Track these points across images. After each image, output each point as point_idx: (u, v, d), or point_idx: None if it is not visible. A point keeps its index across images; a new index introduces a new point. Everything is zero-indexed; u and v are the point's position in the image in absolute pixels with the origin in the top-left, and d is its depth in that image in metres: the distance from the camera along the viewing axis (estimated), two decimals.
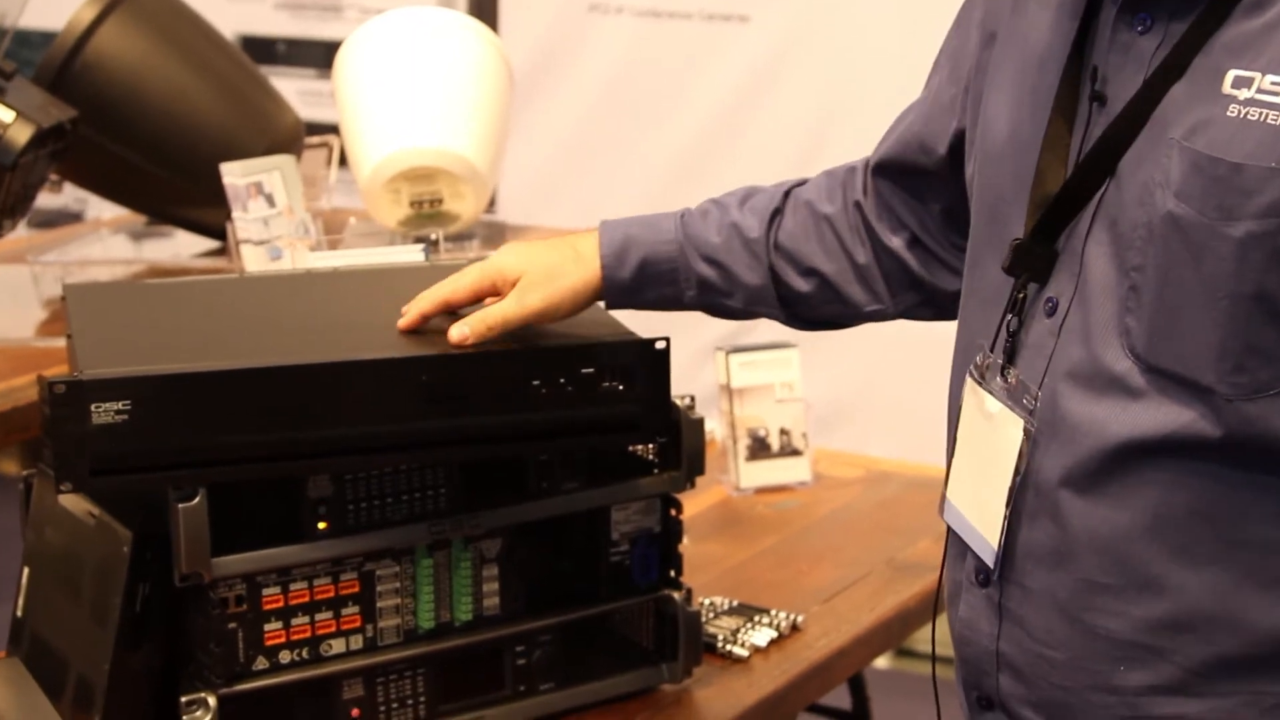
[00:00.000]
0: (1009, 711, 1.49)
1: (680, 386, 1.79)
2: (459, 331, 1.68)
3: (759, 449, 2.51)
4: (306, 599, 1.67)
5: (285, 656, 1.67)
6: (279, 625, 1.66)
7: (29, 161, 2.47)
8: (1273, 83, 1.30)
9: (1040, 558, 1.43)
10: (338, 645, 1.69)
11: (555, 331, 1.74)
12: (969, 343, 1.53)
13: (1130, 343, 1.36)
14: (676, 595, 1.86)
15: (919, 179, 1.72)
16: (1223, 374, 1.33)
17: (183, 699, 1.61)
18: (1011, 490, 1.43)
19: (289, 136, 2.87)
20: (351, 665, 1.70)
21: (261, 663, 1.65)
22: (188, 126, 2.75)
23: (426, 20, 2.78)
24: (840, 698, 2.75)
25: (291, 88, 4.06)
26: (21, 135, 2.42)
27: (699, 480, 1.86)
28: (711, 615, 2.05)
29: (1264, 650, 1.38)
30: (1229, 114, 1.32)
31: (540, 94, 4.05)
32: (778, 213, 1.77)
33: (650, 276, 1.76)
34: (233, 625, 1.63)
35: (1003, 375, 1.45)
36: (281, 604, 1.66)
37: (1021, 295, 1.44)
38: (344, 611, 1.69)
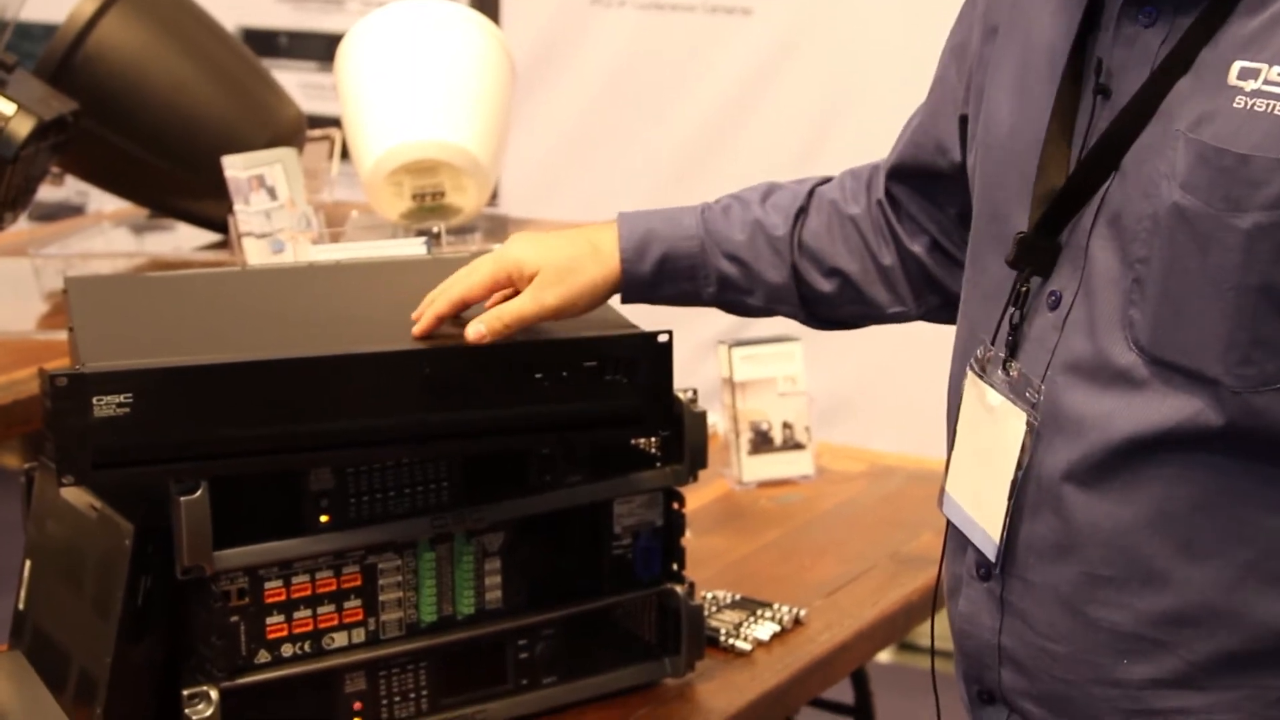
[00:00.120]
0: (1011, 705, 1.49)
1: (683, 380, 1.80)
2: (475, 330, 1.66)
3: (761, 443, 2.51)
4: (308, 592, 1.67)
5: (287, 650, 1.67)
6: (281, 618, 1.66)
7: (30, 154, 2.47)
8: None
9: (1042, 551, 1.43)
10: (340, 639, 1.70)
11: (558, 324, 1.74)
12: (970, 335, 1.53)
13: (1134, 335, 1.36)
14: (679, 589, 1.86)
15: (933, 182, 1.71)
16: (1230, 366, 1.33)
17: (185, 692, 1.61)
18: (1014, 484, 1.43)
19: (291, 129, 2.87)
20: (353, 659, 1.70)
21: (263, 656, 1.66)
22: (189, 119, 2.75)
23: (428, 13, 2.78)
24: (843, 692, 2.75)
25: (293, 80, 4.06)
26: (23, 128, 2.42)
27: (701, 474, 1.86)
28: (714, 609, 2.05)
29: (1268, 644, 1.38)
30: (1235, 105, 1.32)
31: (542, 87, 4.05)
32: (803, 211, 1.76)
33: (670, 273, 1.75)
34: (235, 618, 1.63)
35: (1004, 368, 1.45)
36: (283, 597, 1.66)
37: (1024, 289, 1.44)
38: (346, 605, 1.69)
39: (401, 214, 2.71)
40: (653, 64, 4.07)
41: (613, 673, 1.86)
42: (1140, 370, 1.36)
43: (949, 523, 1.55)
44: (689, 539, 1.89)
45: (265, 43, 4.50)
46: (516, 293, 1.70)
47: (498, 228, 2.87)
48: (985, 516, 1.46)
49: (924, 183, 1.73)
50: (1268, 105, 1.30)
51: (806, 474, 2.53)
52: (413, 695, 1.74)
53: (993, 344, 1.47)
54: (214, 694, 1.62)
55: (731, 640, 1.98)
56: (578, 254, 1.71)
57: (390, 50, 2.75)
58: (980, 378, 1.48)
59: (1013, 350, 1.45)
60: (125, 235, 3.07)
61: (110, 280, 2.26)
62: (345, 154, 2.92)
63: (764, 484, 2.51)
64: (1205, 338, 1.33)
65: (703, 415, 1.84)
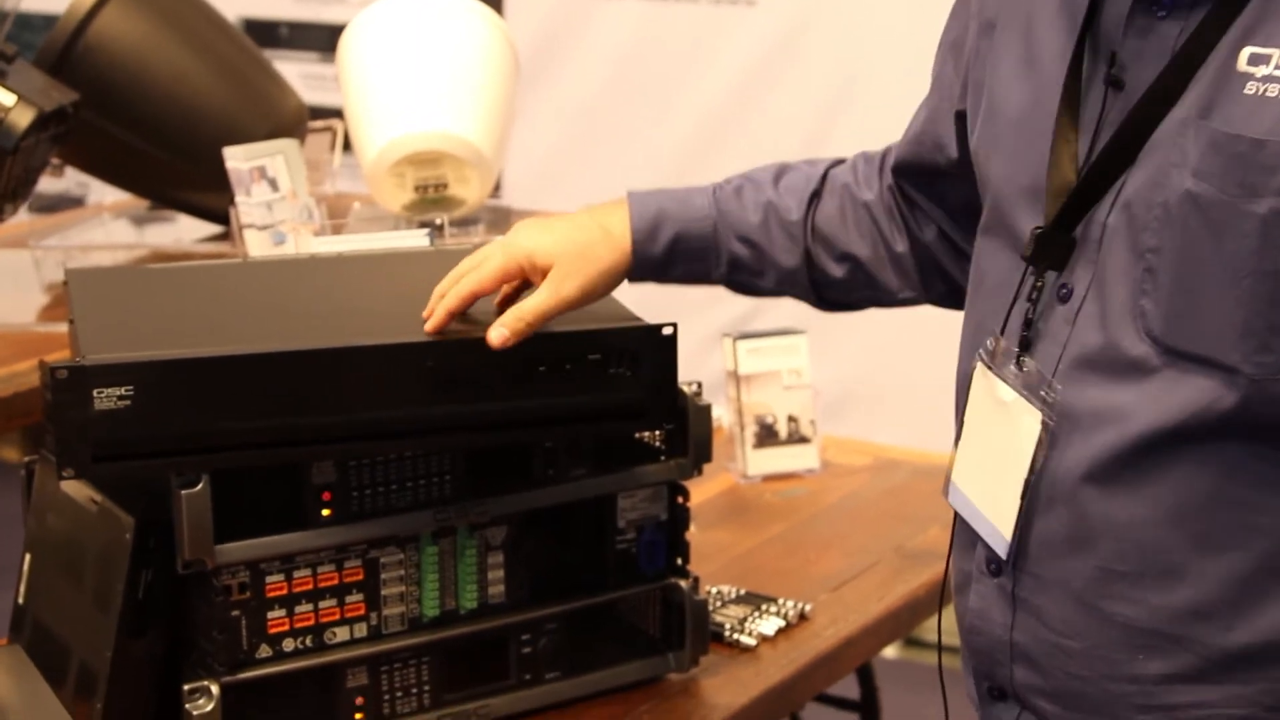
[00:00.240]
0: (1023, 702, 1.49)
1: (687, 373, 1.79)
2: (498, 334, 1.64)
3: (766, 436, 2.51)
4: (310, 586, 1.67)
5: (289, 644, 1.67)
6: (282, 613, 1.66)
7: (30, 145, 2.47)
8: None
9: (1056, 546, 1.42)
10: (341, 633, 1.70)
11: (562, 317, 1.74)
12: (977, 326, 1.53)
13: (1146, 325, 1.36)
14: (683, 583, 1.86)
15: (936, 179, 1.73)
16: (1247, 354, 1.32)
17: (185, 687, 1.61)
18: (1027, 484, 1.42)
19: (292, 120, 2.87)
20: (355, 653, 1.70)
21: (265, 651, 1.66)
22: (190, 110, 2.75)
23: (431, 3, 2.77)
24: (848, 687, 2.75)
25: (294, 71, 4.07)
26: (23, 119, 2.42)
27: (706, 468, 1.86)
28: (718, 604, 2.05)
29: None
30: (1246, 91, 1.31)
31: (546, 78, 4.05)
32: (816, 195, 1.77)
33: (682, 254, 1.75)
34: (236, 613, 1.63)
35: (1018, 363, 1.45)
36: (285, 591, 1.66)
37: (1039, 284, 1.44)
38: (348, 599, 1.69)
39: (404, 206, 2.71)
40: (656, 55, 4.07)
41: (616, 668, 1.86)
42: (1153, 360, 1.36)
43: (956, 518, 1.55)
44: (693, 533, 1.89)
45: (266, 33, 4.51)
46: (527, 284, 1.70)
47: (501, 219, 2.86)
48: (996, 513, 1.46)
49: (927, 179, 1.74)
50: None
51: (811, 468, 2.52)
52: (415, 690, 1.74)
53: (1001, 334, 1.47)
54: (215, 689, 1.62)
55: (736, 635, 1.98)
56: (589, 239, 1.71)
57: (393, 41, 2.75)
58: (991, 370, 1.48)
59: (1026, 345, 1.44)
60: (126, 227, 3.07)
61: (111, 272, 2.26)
62: (347, 145, 2.92)
63: (769, 478, 2.50)
64: (1221, 326, 1.33)
65: (707, 408, 1.84)
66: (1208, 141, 1.32)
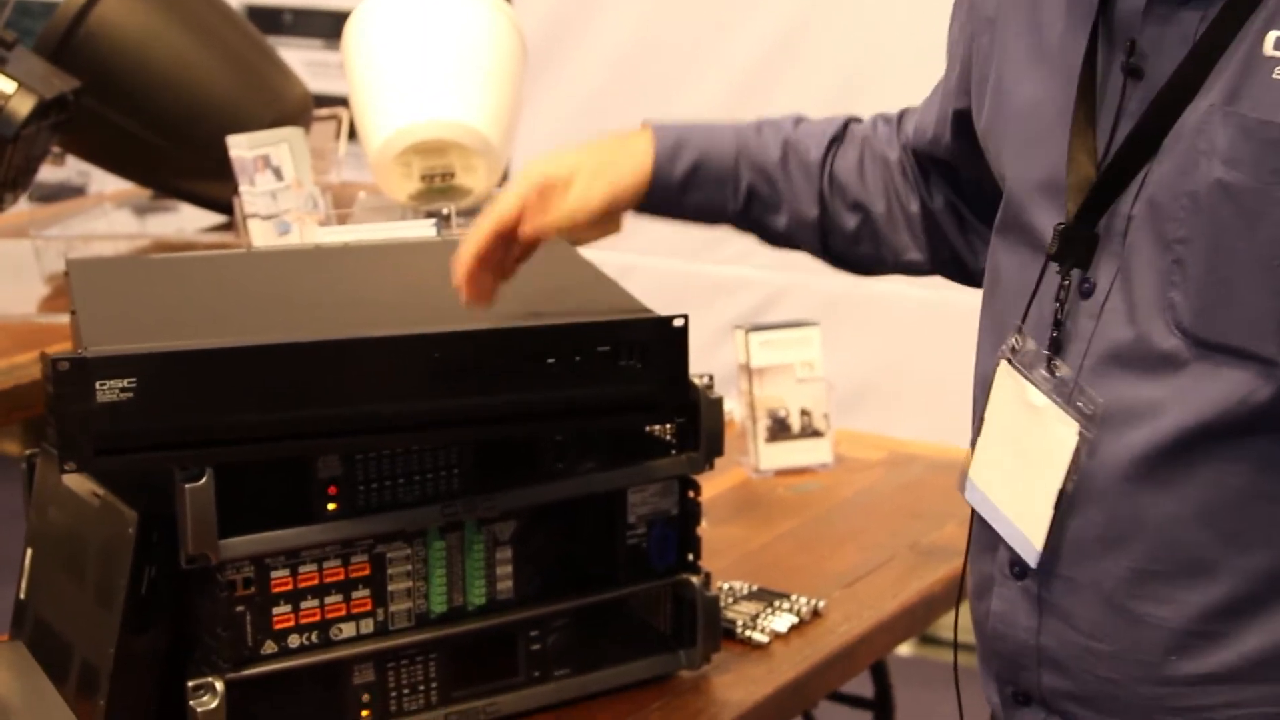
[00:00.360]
0: (1050, 707, 1.48)
1: (698, 365, 1.79)
2: (530, 229, 1.65)
3: (779, 430, 2.51)
4: (316, 582, 1.67)
5: (294, 641, 1.67)
6: (288, 609, 1.66)
7: (31, 133, 2.47)
8: None
9: (1086, 548, 1.42)
10: (348, 629, 1.70)
11: (572, 308, 1.74)
12: (997, 325, 1.52)
13: (1176, 318, 1.35)
14: (694, 579, 1.86)
15: (942, 164, 1.75)
16: None
17: (189, 684, 1.61)
18: (1062, 494, 1.41)
19: (297, 108, 2.87)
20: (362, 650, 1.70)
21: (270, 647, 1.66)
22: (193, 98, 2.76)
23: None
24: (862, 685, 2.75)
25: (298, 59, 4.06)
26: (23, 107, 2.42)
27: (718, 462, 1.86)
28: (730, 600, 2.05)
29: None
30: (1275, 76, 1.31)
31: (554, 65, 4.05)
32: (836, 140, 1.78)
33: (701, 180, 1.76)
34: (240, 608, 1.64)
35: (1049, 367, 1.44)
36: (290, 587, 1.66)
37: (1066, 283, 1.43)
38: (354, 595, 1.70)
39: (410, 195, 2.71)
40: (666, 43, 4.07)
41: (626, 665, 1.86)
42: (1184, 354, 1.36)
43: (974, 518, 1.54)
44: (705, 528, 1.89)
45: (270, 20, 4.51)
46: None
47: None
48: (1024, 518, 1.45)
49: (933, 162, 1.77)
50: None
51: (825, 462, 2.52)
52: (422, 687, 1.74)
53: (1021, 331, 1.47)
54: (219, 685, 1.62)
55: (748, 632, 1.98)
56: (611, 155, 1.73)
57: (399, 27, 2.75)
58: (1019, 372, 1.47)
59: (1056, 347, 1.44)
60: (128, 216, 3.07)
61: (113, 262, 2.26)
62: (353, 134, 2.92)
63: (781, 472, 2.50)
64: (1255, 316, 1.32)
65: (719, 401, 1.84)
66: (1237, 128, 1.32)
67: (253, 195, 2.45)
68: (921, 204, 1.77)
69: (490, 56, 2.75)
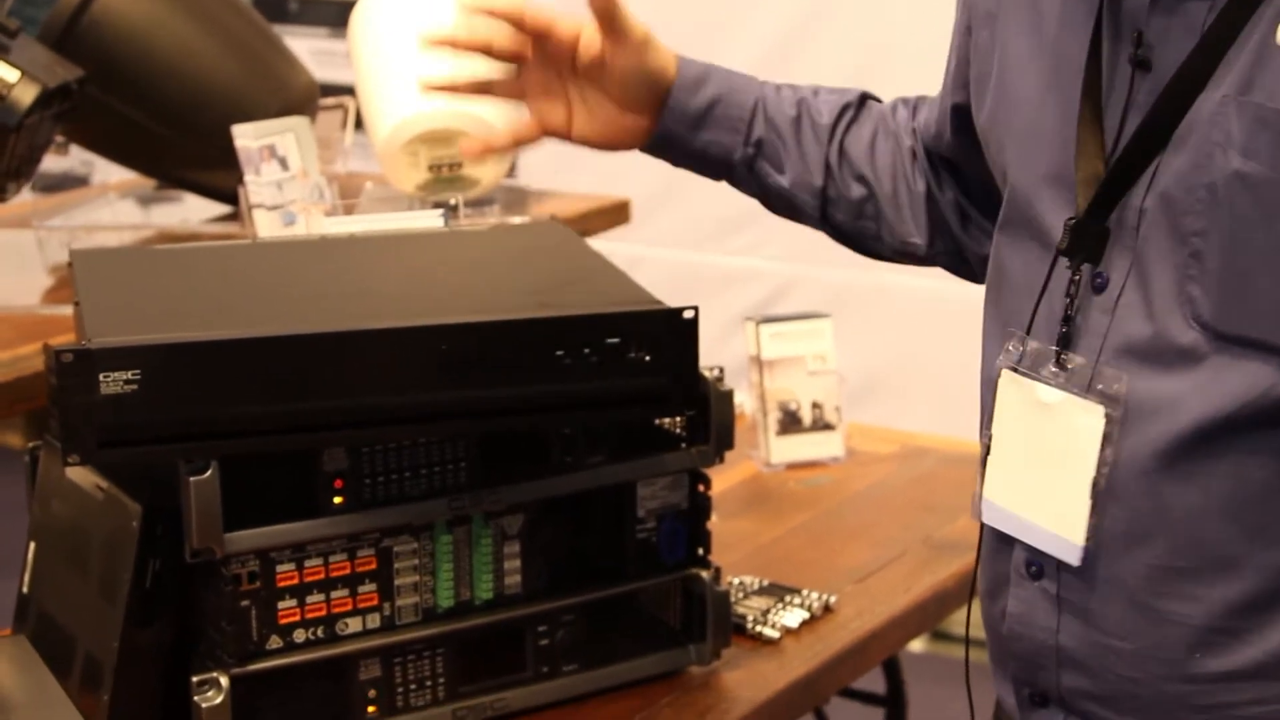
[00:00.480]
0: (1069, 707, 1.48)
1: (708, 357, 1.80)
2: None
3: (790, 423, 2.51)
4: (322, 576, 1.68)
5: (300, 635, 1.67)
6: (293, 603, 1.66)
7: (34, 123, 2.47)
8: None
9: (1106, 545, 1.41)
10: (354, 624, 1.70)
11: (580, 300, 1.74)
12: (1003, 320, 1.51)
13: (1195, 312, 1.35)
14: (704, 574, 1.87)
15: (947, 162, 1.76)
16: None
17: (194, 679, 1.62)
18: (1096, 483, 1.41)
19: (303, 97, 2.87)
20: (368, 645, 1.71)
21: (275, 642, 1.66)
22: (198, 87, 2.75)
23: None
24: (874, 681, 2.76)
25: (304, 47, 4.07)
26: (26, 95, 2.42)
27: (728, 455, 1.86)
28: (741, 595, 2.06)
29: None
30: None
31: None
32: (849, 108, 1.80)
33: (718, 118, 1.77)
34: (245, 603, 1.64)
35: (1058, 362, 1.43)
36: (296, 581, 1.66)
37: (1077, 278, 1.43)
38: (360, 589, 1.70)
39: (417, 185, 2.71)
40: (679, 30, 4.05)
41: (635, 661, 1.86)
42: (1203, 347, 1.35)
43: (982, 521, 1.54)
44: (715, 522, 1.90)
45: (275, 8, 4.51)
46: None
47: (516, 200, 2.87)
48: (1055, 518, 1.44)
49: (939, 158, 1.78)
50: None
51: (836, 455, 2.53)
52: (429, 683, 1.74)
53: (1028, 334, 1.46)
54: (224, 680, 1.62)
55: (759, 627, 1.99)
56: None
57: (405, 15, 2.75)
58: (1025, 375, 1.46)
59: (1067, 342, 1.43)
60: (132, 207, 3.07)
61: (116, 253, 2.26)
62: (359, 123, 2.92)
63: (792, 466, 2.51)
64: (1276, 307, 1.32)
65: (729, 394, 1.84)
66: (1253, 118, 1.32)
67: (258, 185, 2.45)
68: (928, 188, 1.78)
69: None
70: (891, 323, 3.69)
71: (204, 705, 1.61)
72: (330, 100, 3.06)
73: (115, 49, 2.71)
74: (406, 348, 1.65)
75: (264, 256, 1.95)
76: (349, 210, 2.52)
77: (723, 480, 2.32)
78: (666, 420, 1.88)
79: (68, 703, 1.64)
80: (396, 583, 1.72)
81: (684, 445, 1.86)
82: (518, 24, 1.72)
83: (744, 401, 2.52)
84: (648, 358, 1.72)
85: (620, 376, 1.72)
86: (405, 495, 1.71)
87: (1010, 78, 1.51)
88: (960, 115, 1.67)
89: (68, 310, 2.16)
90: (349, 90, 2.95)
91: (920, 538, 2.26)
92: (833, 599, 2.07)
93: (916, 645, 3.74)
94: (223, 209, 2.90)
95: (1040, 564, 1.46)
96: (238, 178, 2.49)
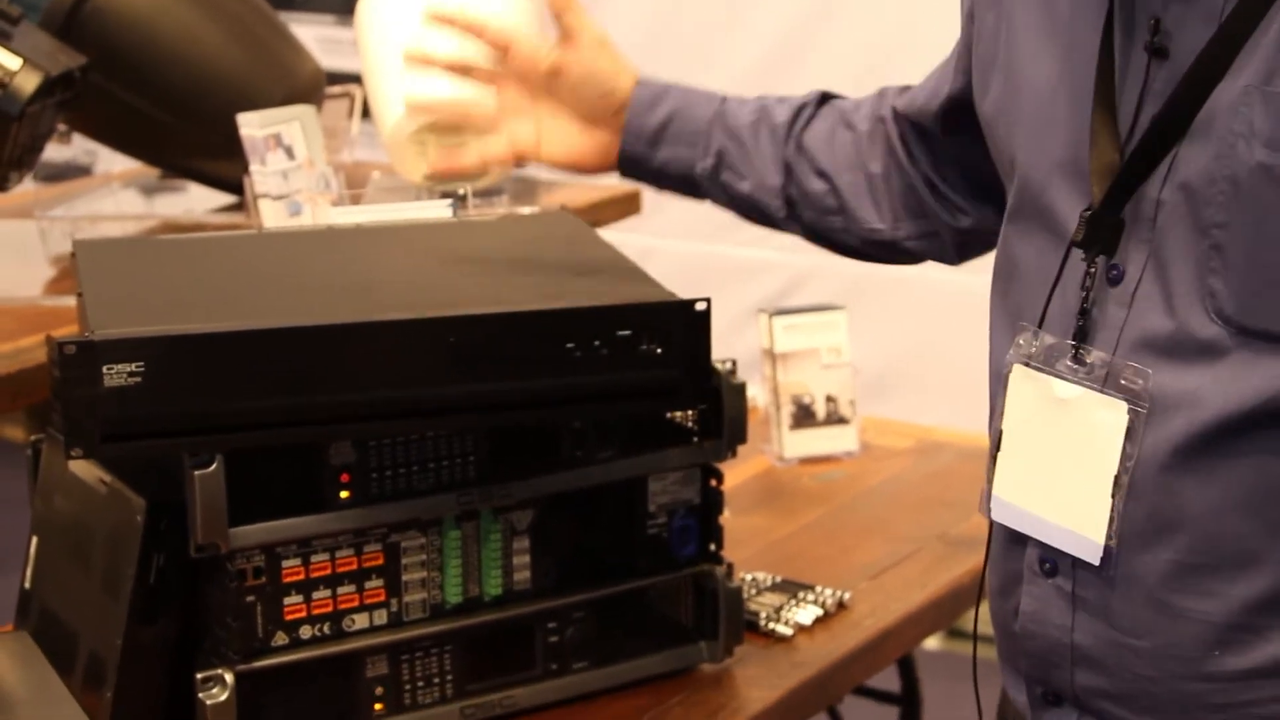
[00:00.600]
0: (1084, 706, 1.47)
1: (721, 350, 1.79)
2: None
3: (804, 417, 2.51)
4: (328, 571, 1.68)
5: (306, 632, 1.68)
6: (299, 599, 1.67)
7: (36, 111, 2.47)
8: None
9: (1124, 542, 1.41)
10: (361, 620, 1.70)
11: (590, 291, 1.74)
12: (1014, 312, 1.50)
13: (1216, 305, 1.35)
14: (717, 570, 1.87)
15: (925, 133, 1.77)
16: None
17: (199, 675, 1.62)
18: (1117, 480, 1.41)
19: (309, 86, 2.87)
20: (375, 641, 1.71)
21: (281, 638, 1.66)
22: (202, 74, 2.75)
23: None
24: (889, 680, 2.76)
25: (310, 34, 4.07)
26: (29, 83, 2.42)
27: (740, 450, 1.86)
28: (753, 592, 2.06)
29: None
30: None
31: None
32: (804, 107, 1.82)
33: (673, 133, 1.81)
34: (251, 598, 1.64)
35: (1075, 357, 1.43)
36: (302, 576, 1.66)
37: (1092, 270, 1.42)
38: (367, 585, 1.70)
39: (425, 175, 2.70)
40: (689, 20, 4.06)
41: (646, 658, 1.86)
42: (1225, 342, 1.35)
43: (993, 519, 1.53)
44: (727, 518, 1.90)
45: None
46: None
47: (525, 190, 2.86)
48: (1070, 515, 1.43)
49: (921, 133, 1.79)
50: None
51: (851, 450, 2.53)
52: (437, 680, 1.74)
53: (1040, 328, 1.45)
54: (229, 677, 1.63)
55: (772, 624, 1.99)
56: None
57: (412, 2, 2.74)
58: (1040, 370, 1.46)
59: (1084, 336, 1.43)
60: (135, 196, 3.07)
61: (120, 244, 2.26)
62: (366, 112, 2.92)
63: (806, 460, 2.51)
64: None
65: (742, 387, 1.84)
66: (1278, 109, 1.31)
67: (263, 175, 2.45)
68: (886, 168, 1.79)
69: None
70: (907, 315, 3.68)
71: (209, 702, 1.61)
72: (336, 89, 3.06)
73: (118, 35, 2.71)
74: (414, 340, 1.65)
75: (270, 247, 1.96)
76: (356, 200, 2.52)
77: (735, 475, 2.32)
78: (678, 414, 1.88)
79: (71, 700, 1.65)
80: (404, 579, 1.72)
81: (696, 439, 1.86)
82: (478, 34, 1.80)
83: (757, 395, 2.52)
84: (659, 350, 1.72)
85: (631, 369, 1.72)
86: (413, 490, 1.71)
87: (1019, 63, 1.51)
88: (955, 100, 1.68)
89: (70, 301, 2.16)
90: (355, 78, 2.94)
91: (936, 534, 2.26)
92: (847, 596, 2.07)
93: (932, 643, 3.74)
94: (228, 199, 2.90)
95: (1054, 561, 1.46)
96: (243, 167, 2.48)
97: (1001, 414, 1.50)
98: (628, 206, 3.01)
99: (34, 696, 1.67)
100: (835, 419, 2.52)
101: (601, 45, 1.79)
